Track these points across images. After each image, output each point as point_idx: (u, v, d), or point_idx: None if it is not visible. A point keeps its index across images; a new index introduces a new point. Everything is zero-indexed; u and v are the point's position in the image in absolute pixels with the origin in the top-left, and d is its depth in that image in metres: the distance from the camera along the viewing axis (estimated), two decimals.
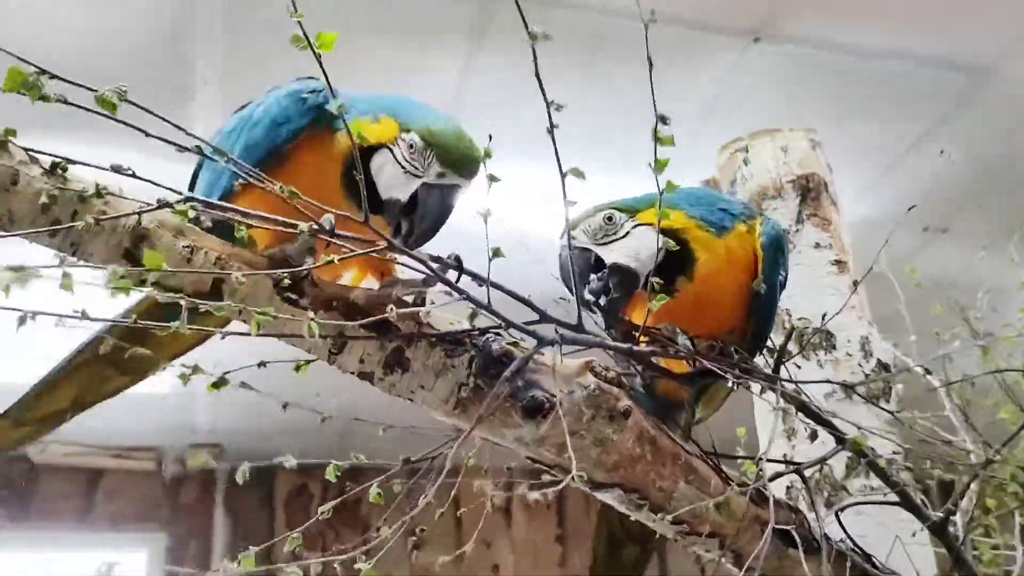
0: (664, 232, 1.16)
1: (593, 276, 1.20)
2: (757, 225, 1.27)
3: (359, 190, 1.03)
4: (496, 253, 1.03)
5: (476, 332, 1.10)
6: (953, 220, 3.98)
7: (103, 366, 1.22)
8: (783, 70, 3.05)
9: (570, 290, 1.15)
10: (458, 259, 1.09)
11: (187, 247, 1.02)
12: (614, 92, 3.03)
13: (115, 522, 4.95)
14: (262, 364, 1.20)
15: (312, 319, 0.90)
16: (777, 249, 1.27)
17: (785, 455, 1.75)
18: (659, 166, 1.03)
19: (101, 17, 2.68)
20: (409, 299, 1.11)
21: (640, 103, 3.39)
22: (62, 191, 0.94)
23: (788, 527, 1.26)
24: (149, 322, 0.93)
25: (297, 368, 1.14)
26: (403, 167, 1.09)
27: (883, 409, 1.55)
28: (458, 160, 1.09)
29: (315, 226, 0.98)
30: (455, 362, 1.09)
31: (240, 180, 1.03)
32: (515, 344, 1.10)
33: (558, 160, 1.02)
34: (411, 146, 1.08)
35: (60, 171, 0.96)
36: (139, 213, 0.96)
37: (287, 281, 1.00)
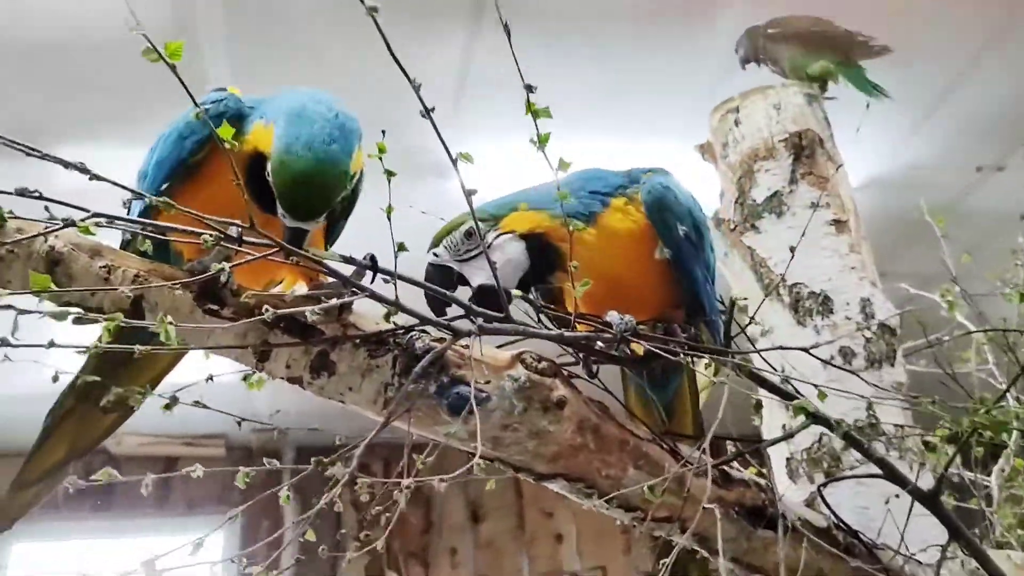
0: (525, 237, 1.13)
1: None
2: (639, 192, 1.22)
3: (258, 194, 1.04)
4: (400, 247, 1.02)
5: (400, 331, 1.09)
6: (1009, 157, 3.77)
7: (87, 410, 1.26)
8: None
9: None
10: (373, 259, 1.09)
11: (104, 267, 1.04)
12: (613, 58, 2.96)
13: (191, 506, 5.17)
14: (210, 378, 1.22)
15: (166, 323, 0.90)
16: (662, 209, 1.21)
17: (784, 427, 1.70)
18: (542, 141, 1.00)
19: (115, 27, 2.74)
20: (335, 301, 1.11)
21: (639, 69, 3.31)
22: None
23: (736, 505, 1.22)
24: (116, 346, 0.95)
25: (245, 378, 1.16)
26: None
27: (838, 367, 1.48)
28: (289, 207, 1.04)
29: (219, 236, 0.99)
30: (379, 363, 1.09)
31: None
32: (441, 340, 1.09)
33: (444, 145, 0.99)
34: (268, 174, 1.05)
35: None
36: (44, 234, 0.98)
37: (192, 291, 1.01)
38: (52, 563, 4.74)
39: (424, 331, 1.10)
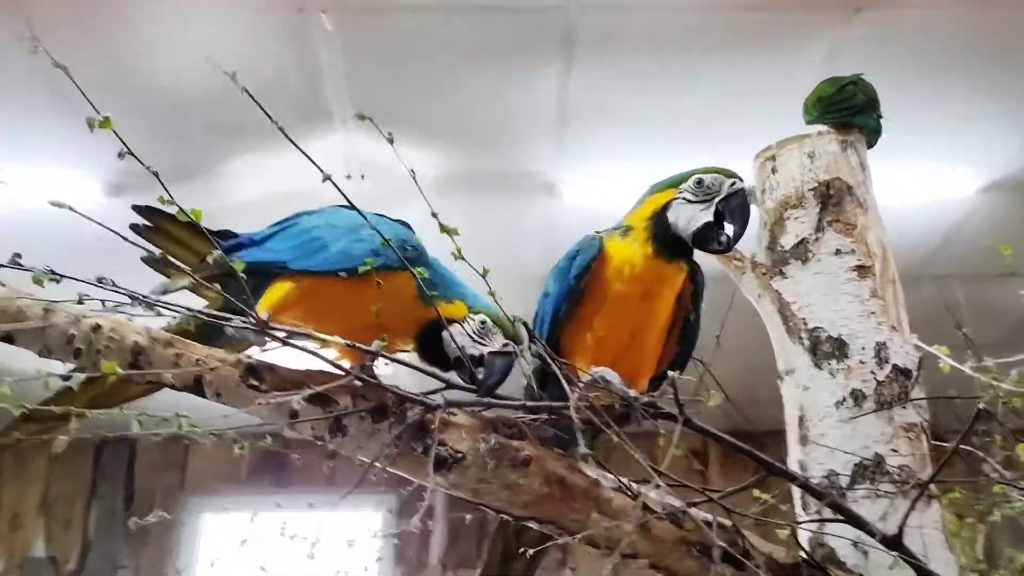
0: None
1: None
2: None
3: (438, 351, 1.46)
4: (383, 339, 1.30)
5: (396, 402, 1.37)
6: None
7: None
8: (894, 37, 2.91)
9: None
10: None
11: (176, 354, 1.38)
12: (704, 84, 3.07)
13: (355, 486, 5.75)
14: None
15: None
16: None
17: (800, 463, 1.84)
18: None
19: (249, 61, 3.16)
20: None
21: (733, 93, 3.38)
22: (77, 324, 1.32)
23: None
24: None
25: None
26: (472, 337, 1.45)
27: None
28: (513, 336, 1.47)
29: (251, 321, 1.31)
30: (380, 427, 1.37)
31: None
32: (430, 410, 1.36)
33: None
34: (483, 323, 1.46)
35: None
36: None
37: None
38: (236, 531, 5.44)
39: (420, 402, 1.38)
